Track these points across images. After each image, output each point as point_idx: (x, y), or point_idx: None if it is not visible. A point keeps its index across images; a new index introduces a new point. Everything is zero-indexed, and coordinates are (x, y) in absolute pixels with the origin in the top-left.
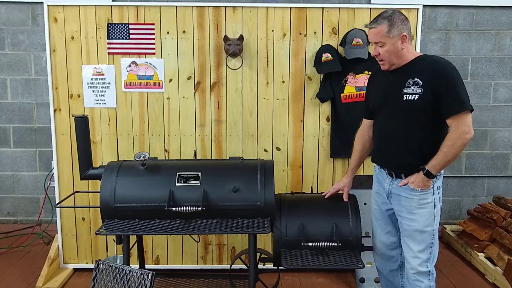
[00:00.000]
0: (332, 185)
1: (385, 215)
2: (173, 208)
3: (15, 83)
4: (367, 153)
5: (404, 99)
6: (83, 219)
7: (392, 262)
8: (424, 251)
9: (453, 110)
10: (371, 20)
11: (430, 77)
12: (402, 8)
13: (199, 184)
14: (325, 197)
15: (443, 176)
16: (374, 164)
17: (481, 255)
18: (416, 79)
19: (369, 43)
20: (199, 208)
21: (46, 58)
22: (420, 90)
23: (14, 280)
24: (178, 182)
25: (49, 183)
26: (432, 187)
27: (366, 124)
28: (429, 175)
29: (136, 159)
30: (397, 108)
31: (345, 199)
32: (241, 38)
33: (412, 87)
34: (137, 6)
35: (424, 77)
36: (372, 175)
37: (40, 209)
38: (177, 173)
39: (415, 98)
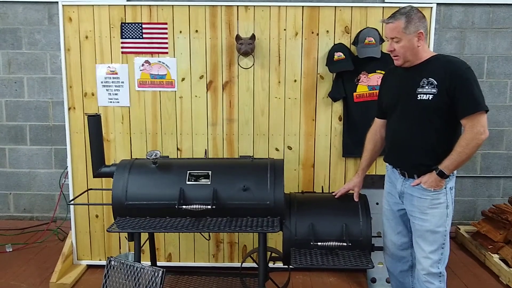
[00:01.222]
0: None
1: (396, 215)
2: (184, 206)
3: (31, 81)
4: (378, 153)
5: (418, 98)
6: (97, 216)
7: (402, 263)
8: (436, 252)
9: (468, 110)
10: (388, 16)
11: (445, 77)
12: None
13: (209, 183)
14: (336, 196)
15: (457, 177)
16: (387, 164)
17: (495, 257)
18: (430, 79)
19: (382, 40)
20: (209, 207)
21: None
22: (434, 90)
23: (29, 275)
24: (188, 181)
25: (64, 181)
26: (445, 188)
27: (378, 124)
28: (442, 175)
29: (148, 157)
30: (411, 108)
31: (356, 199)
32: (253, 37)
33: (427, 87)
34: (150, 5)
35: (439, 77)
36: (384, 175)
37: (55, 206)
38: (188, 172)
39: (429, 98)
